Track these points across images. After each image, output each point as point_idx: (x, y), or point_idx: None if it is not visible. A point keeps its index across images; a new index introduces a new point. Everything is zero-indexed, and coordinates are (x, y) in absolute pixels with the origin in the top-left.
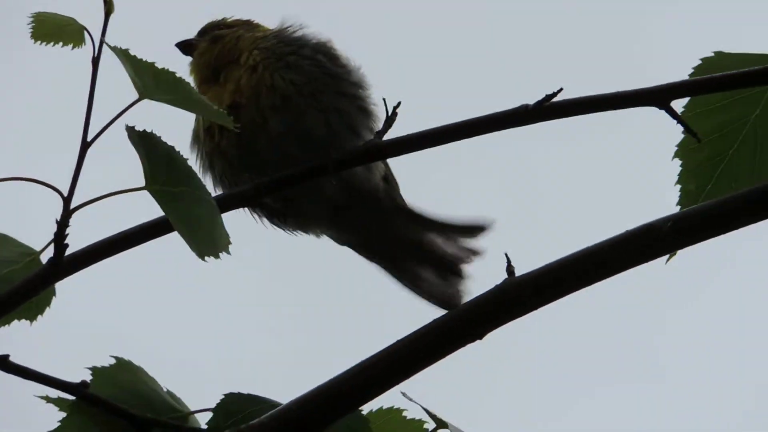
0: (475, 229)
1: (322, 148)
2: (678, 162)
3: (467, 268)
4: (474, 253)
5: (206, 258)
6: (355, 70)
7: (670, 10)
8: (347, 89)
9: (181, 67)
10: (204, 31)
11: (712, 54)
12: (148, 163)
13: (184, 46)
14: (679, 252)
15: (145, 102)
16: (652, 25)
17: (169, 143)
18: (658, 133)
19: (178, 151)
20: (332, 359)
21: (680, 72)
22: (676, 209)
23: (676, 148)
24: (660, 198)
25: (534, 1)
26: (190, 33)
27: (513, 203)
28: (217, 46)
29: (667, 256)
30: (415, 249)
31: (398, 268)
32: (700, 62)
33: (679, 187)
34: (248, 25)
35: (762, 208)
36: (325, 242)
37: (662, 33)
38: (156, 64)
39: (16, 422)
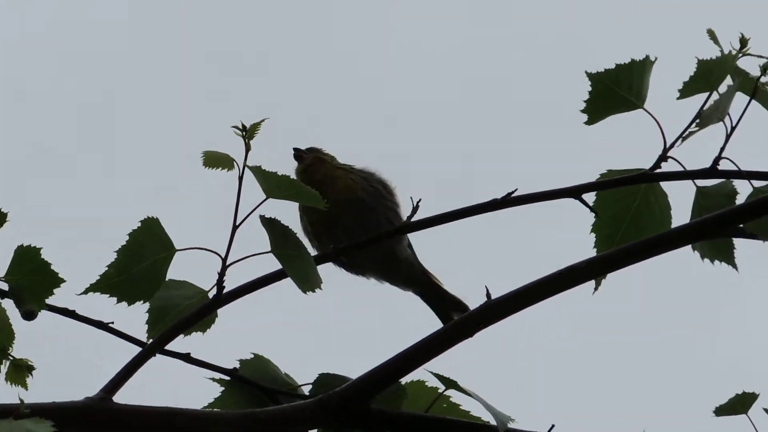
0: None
1: (374, 232)
2: (593, 235)
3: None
4: (463, 307)
5: (308, 292)
6: (396, 196)
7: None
8: (390, 205)
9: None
10: (310, 149)
11: (606, 170)
12: (272, 236)
13: (297, 155)
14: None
15: (270, 201)
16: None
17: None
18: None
19: (290, 229)
20: (378, 352)
21: (588, 176)
22: None
23: (592, 227)
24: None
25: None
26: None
27: (485, 260)
28: (318, 166)
29: (594, 286)
30: (430, 289)
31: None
32: (599, 176)
33: (596, 250)
34: (335, 159)
35: (636, 255)
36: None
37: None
38: (277, 173)
39: (187, 396)
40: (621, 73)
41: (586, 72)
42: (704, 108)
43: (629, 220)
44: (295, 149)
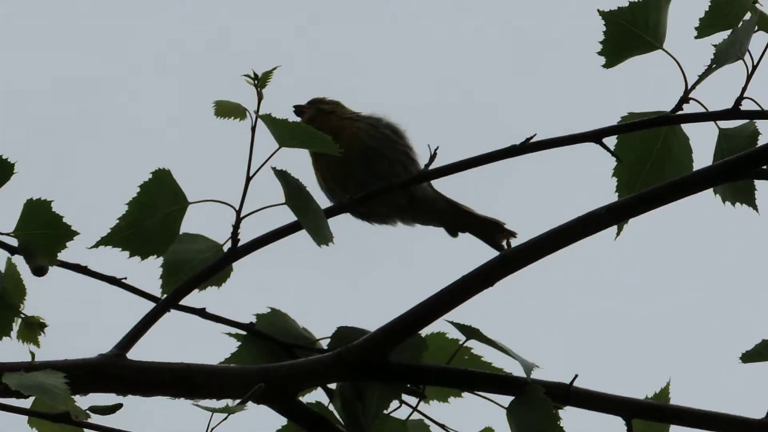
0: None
1: (387, 179)
2: (615, 179)
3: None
4: (503, 228)
5: (322, 245)
6: (407, 138)
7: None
8: (401, 148)
9: None
10: (312, 102)
11: (627, 113)
12: (287, 188)
13: (298, 111)
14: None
15: (284, 154)
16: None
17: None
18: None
19: (301, 182)
20: (395, 306)
21: (609, 121)
22: None
23: (613, 171)
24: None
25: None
26: (298, 99)
27: (504, 209)
28: (322, 120)
29: (615, 231)
30: (465, 220)
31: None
32: (620, 119)
33: (617, 194)
34: (339, 105)
35: (657, 199)
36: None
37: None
38: (288, 119)
39: (202, 352)
40: (636, 12)
41: (599, 11)
42: (718, 44)
43: (651, 164)
44: (295, 106)
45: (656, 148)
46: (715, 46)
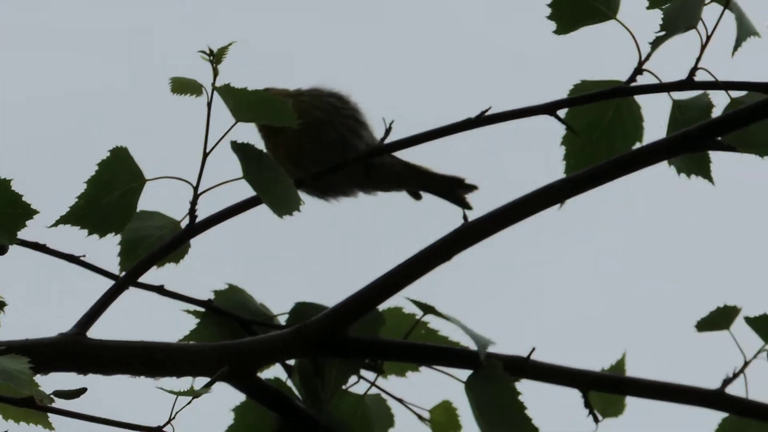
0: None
1: (339, 148)
2: (563, 148)
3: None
4: (464, 182)
5: (284, 216)
6: (352, 102)
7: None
8: (347, 113)
9: None
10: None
11: (580, 81)
12: (245, 162)
13: None
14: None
15: (241, 130)
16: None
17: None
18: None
19: (265, 153)
20: (352, 282)
21: (561, 92)
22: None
23: (562, 139)
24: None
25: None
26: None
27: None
28: None
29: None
30: (425, 180)
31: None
32: (572, 87)
33: (565, 163)
34: (285, 91)
35: (612, 172)
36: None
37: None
38: (245, 88)
39: (161, 329)
40: None
41: None
42: (665, 8)
43: (601, 132)
44: None
45: (608, 116)
46: (662, 11)
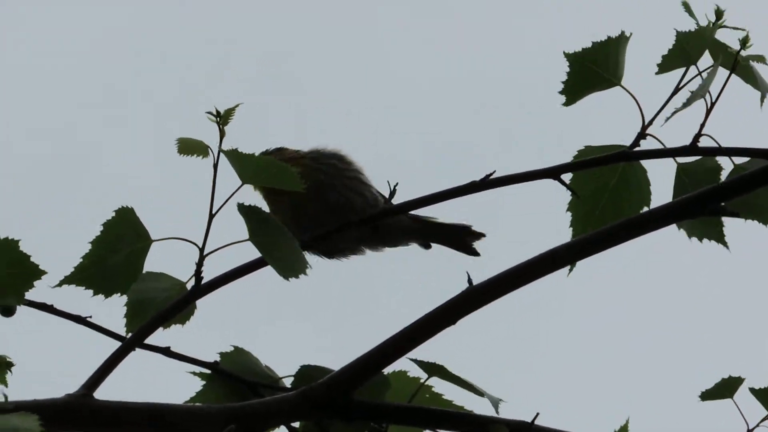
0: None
1: (342, 210)
2: (569, 214)
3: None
4: (471, 230)
5: (290, 279)
6: (354, 163)
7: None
8: (350, 174)
9: None
10: (278, 150)
11: (584, 147)
12: (250, 224)
13: None
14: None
15: (247, 191)
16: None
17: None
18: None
19: (271, 215)
20: (357, 343)
21: (567, 156)
22: None
23: (568, 205)
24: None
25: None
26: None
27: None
28: None
29: (568, 268)
30: (433, 231)
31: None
32: (576, 152)
33: (571, 229)
34: (281, 150)
35: (618, 236)
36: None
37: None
38: (253, 154)
39: (167, 390)
40: (598, 51)
41: (564, 53)
42: (682, 86)
43: (607, 198)
44: None
45: (612, 182)
46: (678, 86)
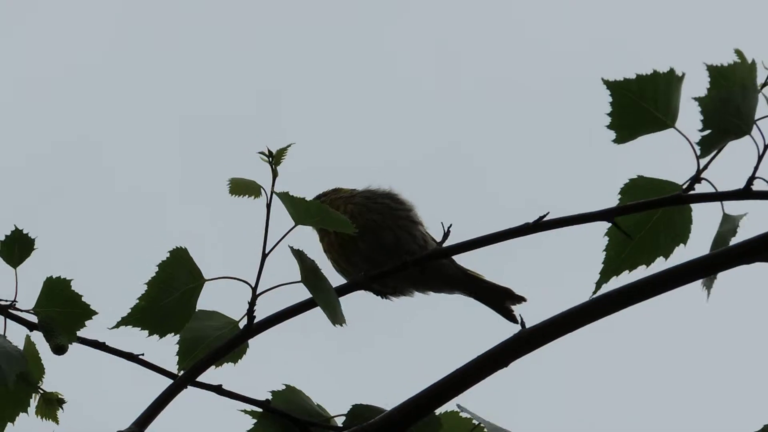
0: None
1: (394, 249)
2: (606, 239)
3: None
4: (513, 294)
5: (337, 325)
6: (407, 202)
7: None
8: (402, 214)
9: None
10: (335, 191)
11: (636, 176)
12: (303, 266)
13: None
14: None
15: (297, 229)
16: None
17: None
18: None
19: (316, 263)
20: (409, 385)
21: (613, 185)
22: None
23: (607, 230)
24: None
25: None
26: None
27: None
28: None
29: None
30: (475, 285)
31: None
32: (628, 181)
33: (605, 254)
34: (336, 190)
35: (673, 281)
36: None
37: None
38: (305, 198)
39: (217, 429)
40: (643, 85)
41: (603, 80)
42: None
43: (647, 229)
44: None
45: (655, 216)
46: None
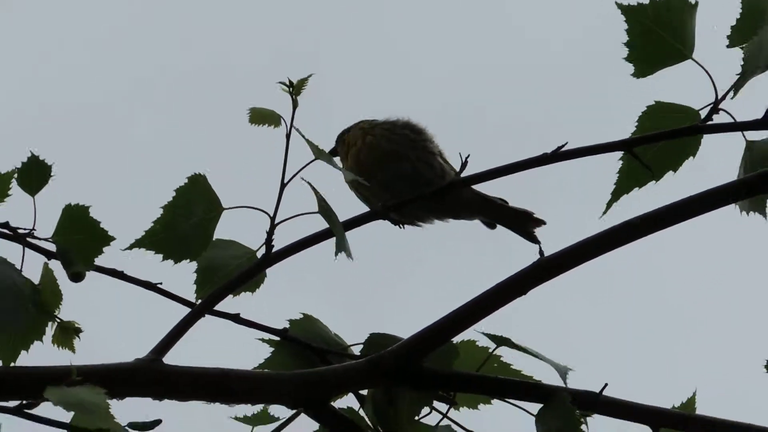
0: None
1: (412, 179)
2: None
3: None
4: (535, 218)
5: (338, 255)
6: (425, 131)
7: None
8: (420, 144)
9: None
10: (338, 138)
11: (654, 102)
12: (319, 197)
13: (333, 154)
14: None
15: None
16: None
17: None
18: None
19: (326, 199)
20: (426, 313)
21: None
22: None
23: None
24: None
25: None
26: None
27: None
28: (346, 147)
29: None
30: (495, 211)
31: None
32: (646, 108)
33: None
34: (357, 126)
35: (691, 211)
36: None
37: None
38: (319, 146)
39: (236, 357)
40: (659, 12)
41: (618, 3)
42: (745, 48)
43: (659, 146)
44: (330, 151)
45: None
46: (743, 50)
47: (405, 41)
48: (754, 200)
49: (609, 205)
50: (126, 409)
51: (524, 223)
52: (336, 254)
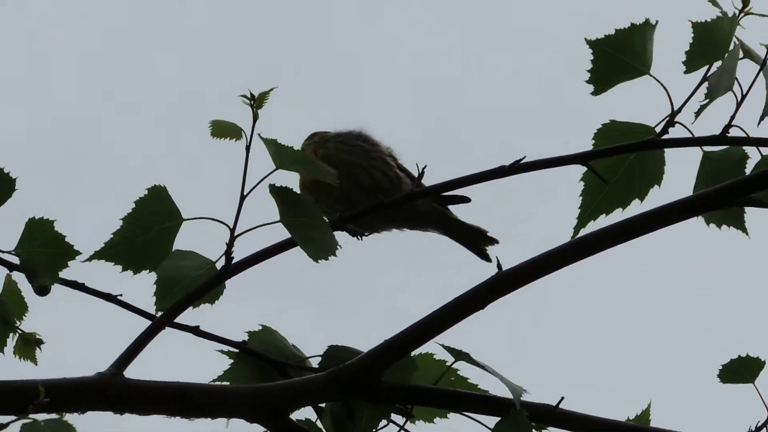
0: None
1: (369, 190)
2: (582, 184)
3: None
4: (486, 235)
5: (320, 261)
6: (380, 143)
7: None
8: (376, 155)
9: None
10: (311, 136)
11: (609, 121)
12: (282, 205)
13: None
14: None
15: (279, 171)
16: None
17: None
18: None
19: (304, 197)
20: (385, 327)
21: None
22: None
23: (582, 175)
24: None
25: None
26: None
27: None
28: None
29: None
30: (450, 225)
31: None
32: (601, 126)
33: (581, 198)
34: (309, 139)
35: (649, 226)
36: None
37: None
38: (292, 147)
39: (195, 369)
40: (622, 39)
41: (586, 39)
42: (708, 77)
43: (622, 172)
44: None
45: (629, 159)
46: (704, 77)
47: (371, 51)
48: (727, 213)
49: (576, 230)
50: (89, 423)
51: (477, 240)
52: (316, 259)
